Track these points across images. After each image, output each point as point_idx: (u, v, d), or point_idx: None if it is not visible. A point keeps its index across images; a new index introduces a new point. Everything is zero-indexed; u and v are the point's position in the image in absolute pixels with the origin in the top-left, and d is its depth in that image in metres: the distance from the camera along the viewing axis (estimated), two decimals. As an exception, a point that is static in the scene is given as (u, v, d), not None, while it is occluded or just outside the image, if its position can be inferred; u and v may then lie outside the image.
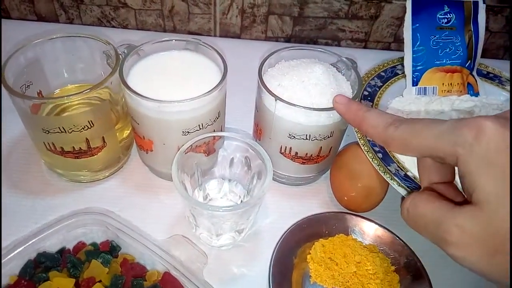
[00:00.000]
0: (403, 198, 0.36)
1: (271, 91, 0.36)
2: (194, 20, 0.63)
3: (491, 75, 0.51)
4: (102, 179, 0.42)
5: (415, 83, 0.48)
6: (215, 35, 0.65)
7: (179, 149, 0.37)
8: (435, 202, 0.22)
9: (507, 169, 0.19)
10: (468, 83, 0.49)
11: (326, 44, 0.66)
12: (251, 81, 0.48)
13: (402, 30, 0.48)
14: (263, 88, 0.36)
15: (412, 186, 0.37)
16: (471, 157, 0.20)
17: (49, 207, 0.39)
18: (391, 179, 0.36)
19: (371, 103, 0.44)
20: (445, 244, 0.20)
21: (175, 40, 0.39)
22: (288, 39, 0.65)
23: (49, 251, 0.34)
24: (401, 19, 0.61)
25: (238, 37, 0.66)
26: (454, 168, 0.25)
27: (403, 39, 0.48)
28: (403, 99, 0.47)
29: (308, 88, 0.36)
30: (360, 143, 0.39)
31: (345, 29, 0.63)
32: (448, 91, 0.48)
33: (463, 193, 0.22)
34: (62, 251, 0.34)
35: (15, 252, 0.32)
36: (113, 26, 0.65)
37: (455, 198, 0.24)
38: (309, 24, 0.63)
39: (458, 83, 0.48)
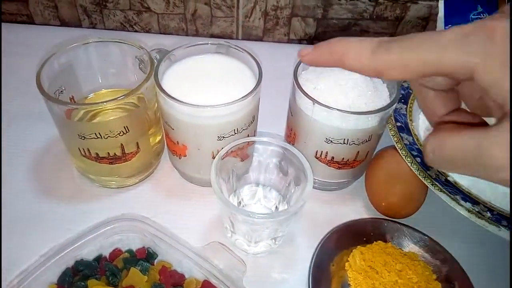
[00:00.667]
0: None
1: (308, 95, 0.35)
2: (216, 23, 0.63)
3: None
4: (132, 184, 0.42)
5: (448, 84, 0.47)
6: (237, 38, 0.65)
7: (213, 154, 0.36)
8: (462, 131, 0.18)
9: None
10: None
11: (350, 46, 0.65)
12: (276, 83, 0.48)
13: (427, 31, 0.47)
14: (300, 92, 0.35)
15: (454, 191, 0.36)
16: (492, 62, 0.17)
17: (82, 213, 0.39)
18: (432, 184, 0.35)
19: (405, 106, 0.43)
20: (491, 172, 0.17)
21: (210, 43, 0.39)
22: (310, 41, 0.65)
23: (86, 258, 0.33)
24: (427, 20, 0.60)
25: (261, 39, 0.65)
26: (459, 94, 0.22)
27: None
28: (436, 102, 0.46)
29: (345, 91, 0.35)
30: (397, 147, 0.38)
31: (369, 30, 0.62)
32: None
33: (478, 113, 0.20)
34: (99, 259, 0.33)
35: (53, 260, 0.31)
36: (136, 31, 0.65)
37: (472, 121, 0.21)
38: (332, 26, 0.62)
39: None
